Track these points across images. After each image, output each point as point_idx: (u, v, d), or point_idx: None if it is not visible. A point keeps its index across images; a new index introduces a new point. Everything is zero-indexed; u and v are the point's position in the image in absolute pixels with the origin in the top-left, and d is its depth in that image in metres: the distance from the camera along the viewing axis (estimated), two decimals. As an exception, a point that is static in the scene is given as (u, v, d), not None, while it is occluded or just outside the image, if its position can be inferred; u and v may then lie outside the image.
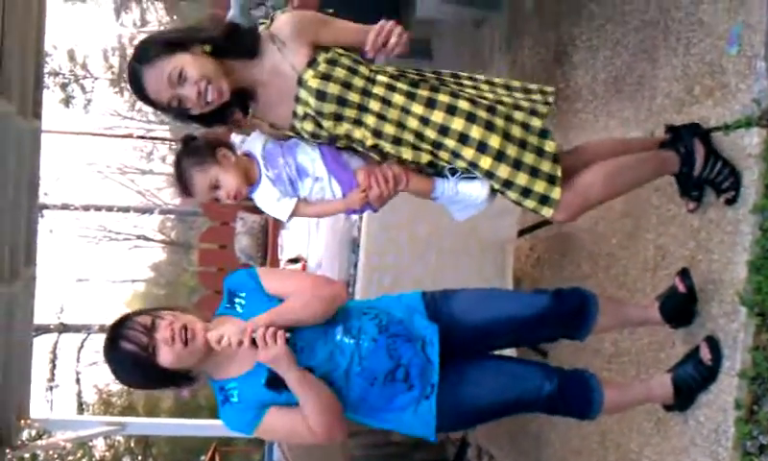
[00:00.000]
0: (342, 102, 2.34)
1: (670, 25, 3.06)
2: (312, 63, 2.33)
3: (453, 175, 2.48)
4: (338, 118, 2.37)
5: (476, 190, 2.51)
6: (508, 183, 2.39)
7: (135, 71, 2.29)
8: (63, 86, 24.07)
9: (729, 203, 2.64)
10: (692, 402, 2.69)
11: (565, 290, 2.56)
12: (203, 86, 2.27)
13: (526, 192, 2.39)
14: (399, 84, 2.37)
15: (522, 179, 2.37)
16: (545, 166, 2.38)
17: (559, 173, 2.39)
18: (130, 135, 19.25)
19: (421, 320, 2.40)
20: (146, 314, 2.21)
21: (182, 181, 2.49)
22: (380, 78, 2.37)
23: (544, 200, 2.40)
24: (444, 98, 2.37)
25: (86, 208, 21.28)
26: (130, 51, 25.31)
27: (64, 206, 19.66)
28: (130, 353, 2.16)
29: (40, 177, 5.90)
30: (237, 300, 2.35)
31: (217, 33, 2.35)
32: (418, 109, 2.36)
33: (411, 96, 2.36)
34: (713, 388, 2.62)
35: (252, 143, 2.55)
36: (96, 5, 24.95)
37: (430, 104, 2.36)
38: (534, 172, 2.37)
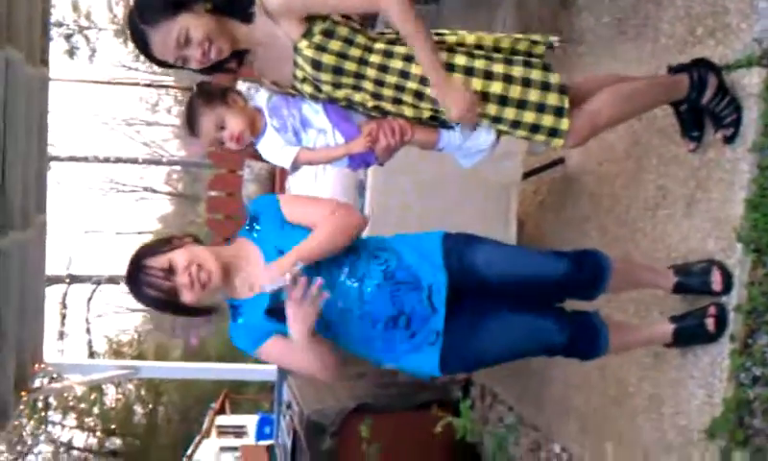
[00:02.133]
0: (338, 71, 2.37)
1: (674, -34, 3.08)
2: (307, 34, 2.33)
3: (458, 124, 2.52)
4: (336, 85, 2.41)
5: (482, 137, 2.57)
6: (515, 124, 2.43)
7: (140, 31, 2.32)
8: (67, 37, 23.95)
9: (727, 140, 2.69)
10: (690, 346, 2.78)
11: (585, 256, 2.57)
12: (206, 47, 2.32)
13: (535, 128, 2.43)
14: (397, 48, 2.39)
15: (529, 116, 2.41)
16: (552, 99, 2.41)
17: (566, 104, 2.41)
18: (136, 84, 19.19)
19: (430, 268, 2.41)
20: (160, 253, 2.26)
21: (191, 120, 2.57)
22: (377, 46, 2.39)
23: (554, 132, 2.44)
24: (441, 56, 2.38)
25: (93, 160, 21.37)
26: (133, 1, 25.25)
27: (71, 158, 19.74)
28: (154, 299, 2.27)
29: (49, 124, 5.97)
30: (256, 224, 2.41)
31: None
32: (417, 70, 2.38)
33: (409, 59, 2.38)
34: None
35: (259, 97, 2.61)
36: (99, -46, 24.71)
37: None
38: (540, 108, 2.40)
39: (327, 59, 2.35)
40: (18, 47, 4.79)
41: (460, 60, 2.40)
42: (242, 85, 2.72)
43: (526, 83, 2.40)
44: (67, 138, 21.69)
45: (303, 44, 2.34)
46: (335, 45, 2.35)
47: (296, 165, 2.65)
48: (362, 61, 2.39)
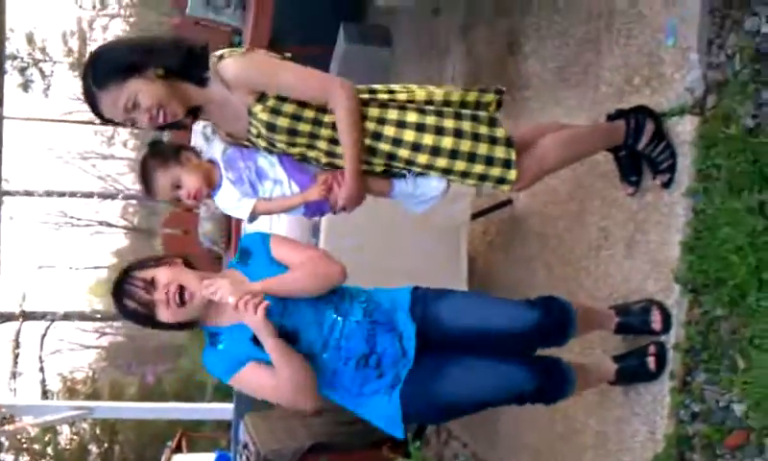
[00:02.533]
0: (292, 132, 2.44)
1: (613, 17, 3.21)
2: (261, 98, 2.40)
3: (409, 172, 2.61)
4: (290, 144, 2.48)
5: (433, 183, 2.65)
6: (465, 174, 2.53)
7: (90, 92, 2.37)
8: (22, 70, 23.73)
9: (665, 186, 2.81)
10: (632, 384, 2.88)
11: (552, 302, 2.60)
12: (154, 112, 2.35)
13: (483, 178, 2.54)
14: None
15: (479, 168, 2.52)
16: (500, 152, 2.51)
17: (513, 156, 2.52)
18: (91, 123, 19.07)
19: (402, 316, 2.47)
20: (148, 268, 2.33)
21: (146, 181, 2.62)
22: None
23: (501, 181, 2.55)
24: (392, 114, 2.49)
25: (48, 194, 21.13)
26: (89, 34, 25.07)
27: (25, 193, 19.50)
28: (132, 310, 2.32)
29: (2, 161, 5.95)
30: (246, 258, 2.48)
31: (170, 57, 2.39)
32: (369, 126, 2.47)
33: (363, 117, 2.46)
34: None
35: (214, 150, 2.65)
36: (55, -13, 24.59)
37: (380, 121, 2.48)
38: (489, 160, 2.51)
39: (282, 121, 2.41)
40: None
41: (411, 116, 2.49)
42: (198, 125, 2.76)
43: (475, 137, 2.50)
44: (20, 173, 21.39)
45: (258, 108, 2.40)
46: (289, 108, 2.42)
47: (254, 216, 2.69)
48: (316, 122, 2.46)
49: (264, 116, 2.40)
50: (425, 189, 2.67)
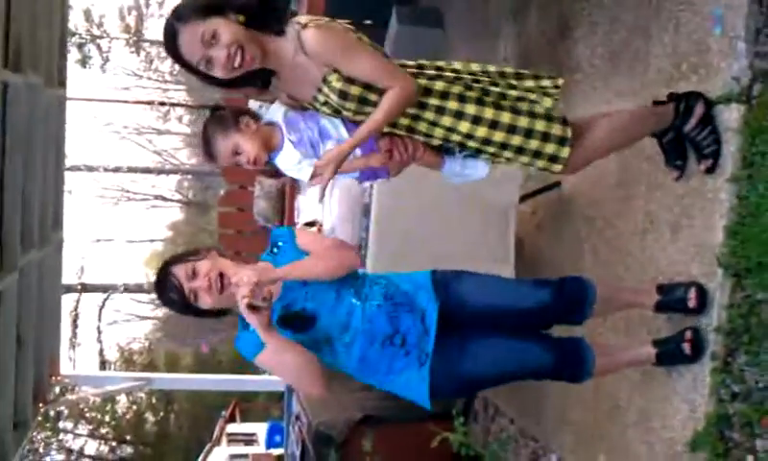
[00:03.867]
0: (363, 101, 2.48)
1: (662, 4, 3.25)
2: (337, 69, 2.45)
3: (460, 152, 2.69)
4: (357, 112, 2.52)
5: (480, 168, 2.74)
6: (520, 150, 2.60)
7: (171, 28, 2.41)
8: (80, 47, 24.15)
9: (708, 171, 2.86)
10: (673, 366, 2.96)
11: (567, 283, 2.74)
12: (233, 50, 2.37)
13: (537, 154, 2.61)
14: (418, 81, 2.53)
15: (534, 144, 2.59)
16: (556, 130, 2.59)
17: (569, 134, 2.60)
18: (150, 102, 19.40)
19: (425, 295, 2.61)
20: (187, 262, 2.51)
21: (207, 147, 2.73)
22: None
23: (554, 159, 2.62)
24: (456, 89, 2.56)
25: (105, 169, 21.60)
26: (146, 10, 25.41)
27: (85, 168, 19.96)
28: (175, 301, 2.51)
29: (66, 142, 6.16)
30: (276, 249, 2.67)
31: (252, 3, 2.45)
32: (434, 100, 2.55)
33: (427, 92, 2.54)
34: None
35: (274, 112, 2.72)
36: (112, -35, 24.91)
37: (444, 96, 2.55)
38: (545, 137, 2.59)
39: (355, 90, 2.46)
40: (38, 72, 4.96)
41: (473, 93, 2.57)
42: (253, 104, 2.88)
43: (532, 114, 2.59)
44: (79, 148, 21.86)
45: (334, 77, 2.45)
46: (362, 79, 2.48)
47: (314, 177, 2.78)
48: (383, 93, 2.49)
49: (338, 85, 2.46)
50: (471, 171, 2.75)
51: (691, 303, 2.83)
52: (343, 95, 2.47)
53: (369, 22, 6.40)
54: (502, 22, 5.23)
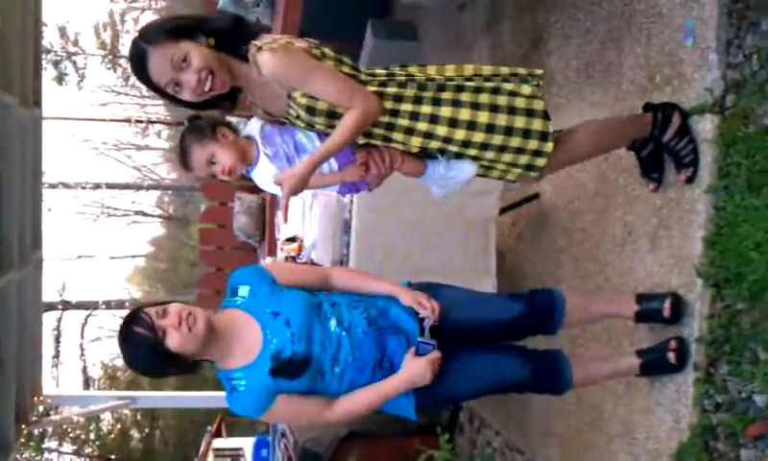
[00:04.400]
0: (331, 115, 2.47)
1: (633, 16, 3.27)
2: None
3: (442, 155, 2.65)
4: (329, 126, 2.51)
5: (465, 167, 2.67)
6: (502, 149, 2.57)
7: (140, 50, 2.40)
8: (56, 64, 24.04)
9: (688, 180, 2.87)
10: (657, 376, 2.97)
11: (537, 295, 2.82)
12: (203, 75, 2.39)
13: (520, 151, 2.58)
14: (388, 89, 2.51)
15: (516, 141, 2.56)
16: (537, 125, 2.56)
17: (551, 128, 2.58)
18: (127, 121, 19.30)
19: (401, 313, 2.58)
20: (157, 305, 2.40)
21: (184, 156, 2.72)
22: (369, 89, 2.49)
23: (537, 153, 2.59)
24: (428, 93, 2.53)
25: (85, 186, 21.45)
26: (121, 27, 25.33)
27: (62, 185, 19.81)
28: (141, 337, 2.32)
29: (43, 161, 6.12)
30: (238, 294, 2.54)
31: (220, 28, 2.46)
32: (407, 107, 2.51)
33: (398, 99, 2.51)
34: (674, 353, 2.87)
35: (251, 126, 2.73)
36: (87, -19, 24.83)
37: (417, 100, 2.52)
38: (526, 133, 2.56)
39: (321, 105, 2.45)
40: (12, 92, 4.93)
41: (447, 94, 2.54)
42: (232, 118, 2.87)
43: (511, 111, 2.55)
44: (57, 165, 21.73)
45: (298, 94, 2.45)
46: None
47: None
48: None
49: (303, 101, 2.46)
50: (457, 172, 2.69)
51: (666, 313, 2.85)
52: (310, 110, 2.47)
53: (343, 40, 6.38)
54: (476, 34, 5.24)
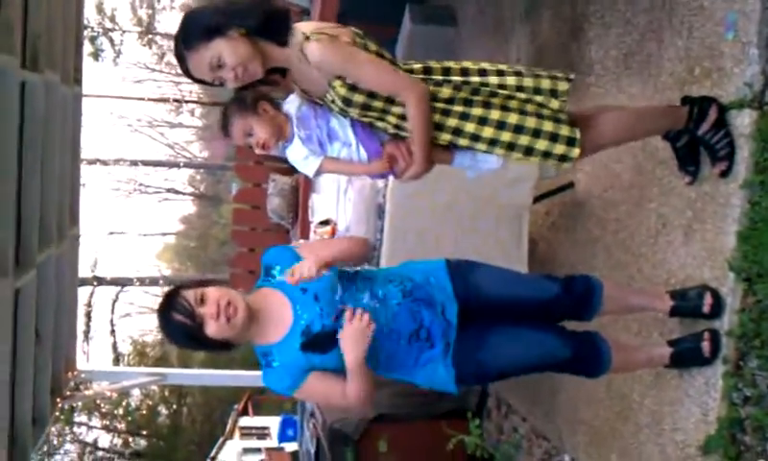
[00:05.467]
0: (366, 108, 2.58)
1: (675, 8, 3.26)
2: (341, 76, 2.52)
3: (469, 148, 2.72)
4: (363, 115, 2.63)
5: (493, 160, 2.77)
6: (529, 150, 2.65)
7: (180, 53, 2.52)
8: (92, 40, 24.28)
9: (723, 174, 2.88)
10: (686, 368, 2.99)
11: (575, 280, 2.84)
12: (239, 72, 2.49)
13: (546, 155, 2.66)
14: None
15: (542, 144, 2.63)
16: (564, 131, 2.63)
17: (578, 134, 2.64)
18: (165, 100, 19.48)
19: (442, 290, 2.65)
20: (196, 288, 2.44)
21: (225, 123, 2.84)
22: None
23: (564, 159, 2.67)
24: (463, 94, 2.62)
25: (119, 163, 21.69)
26: (158, 4, 25.44)
27: (97, 161, 20.06)
28: (180, 324, 2.40)
29: (81, 138, 6.22)
30: (273, 272, 2.61)
31: (253, 17, 2.51)
32: (440, 104, 2.60)
33: (433, 98, 2.60)
34: (705, 345, 2.89)
35: (290, 104, 2.81)
36: (124, -42, 25.00)
37: (449, 101, 2.61)
38: (553, 137, 2.63)
39: (358, 98, 2.55)
40: (55, 70, 5.02)
41: (479, 96, 2.62)
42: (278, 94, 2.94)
43: (539, 115, 2.63)
44: (91, 141, 21.96)
45: (337, 83, 2.53)
46: (365, 88, 2.55)
47: (319, 172, 2.89)
48: (389, 100, 2.59)
49: (342, 91, 2.53)
50: (483, 164, 2.80)
51: (706, 309, 2.85)
52: (346, 102, 2.56)
53: (381, 25, 6.41)
54: (515, 22, 5.24)
